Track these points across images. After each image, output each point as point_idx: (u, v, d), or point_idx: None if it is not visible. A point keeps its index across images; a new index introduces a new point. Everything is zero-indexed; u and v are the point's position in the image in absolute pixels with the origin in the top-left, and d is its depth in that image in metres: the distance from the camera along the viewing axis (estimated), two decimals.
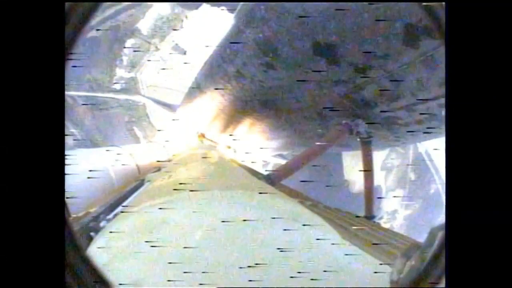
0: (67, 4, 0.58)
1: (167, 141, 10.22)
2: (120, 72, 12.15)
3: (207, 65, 6.99)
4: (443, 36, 0.65)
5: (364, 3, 3.10)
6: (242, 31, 4.68)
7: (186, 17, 11.87)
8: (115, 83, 11.77)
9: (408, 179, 16.17)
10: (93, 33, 11.49)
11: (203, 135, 9.80)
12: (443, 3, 0.64)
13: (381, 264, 1.08)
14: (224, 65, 5.73)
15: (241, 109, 6.57)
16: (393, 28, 3.07)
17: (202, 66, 7.48)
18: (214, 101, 7.27)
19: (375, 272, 0.92)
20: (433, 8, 0.65)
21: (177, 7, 11.72)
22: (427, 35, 2.91)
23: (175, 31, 11.73)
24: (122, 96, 11.88)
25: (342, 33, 3.44)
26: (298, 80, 4.47)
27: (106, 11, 11.27)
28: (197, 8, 11.45)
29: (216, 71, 6.26)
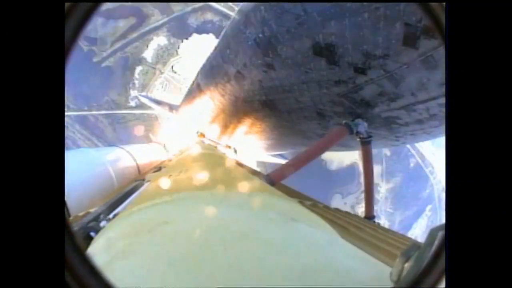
0: (67, 4, 0.58)
1: (167, 141, 10.25)
2: (133, 93, 14.69)
3: (207, 65, 6.99)
4: (443, 36, 0.65)
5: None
6: (242, 31, 4.69)
7: (179, 46, 14.66)
8: (131, 101, 14.41)
9: (384, 155, 16.61)
10: (106, 63, 14.41)
11: (203, 135, 9.80)
12: (443, 3, 0.64)
13: (381, 264, 1.08)
14: (224, 65, 5.73)
15: (241, 109, 6.56)
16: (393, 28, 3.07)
17: (202, 66, 7.48)
18: (214, 101, 7.27)
19: (375, 272, 0.92)
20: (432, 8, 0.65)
21: (173, 38, 14.56)
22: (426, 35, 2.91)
23: (173, 58, 14.56)
24: (137, 111, 14.53)
25: (342, 33, 3.44)
26: (297, 80, 4.47)
27: (115, 44, 14.17)
28: (187, 38, 14.37)
29: (216, 71, 6.26)
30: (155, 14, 14.42)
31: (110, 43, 14.46)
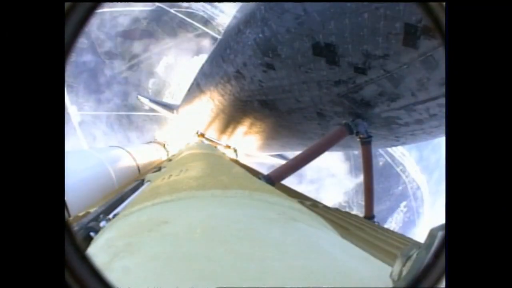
0: (67, 4, 0.58)
1: (167, 141, 10.25)
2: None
3: (207, 65, 6.98)
4: (443, 36, 0.65)
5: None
6: (242, 31, 4.69)
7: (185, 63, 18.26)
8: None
9: (352, 154, 18.00)
10: (124, 75, 18.36)
11: (203, 135, 9.81)
12: (443, 3, 0.64)
13: (381, 264, 1.08)
14: (224, 65, 5.73)
15: (241, 108, 6.56)
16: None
17: (202, 66, 7.47)
18: (214, 101, 7.27)
19: (375, 272, 0.92)
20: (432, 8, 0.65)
21: (178, 58, 18.73)
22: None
23: (179, 73, 18.20)
24: (150, 113, 18.00)
25: (342, 33, 3.44)
26: (297, 80, 4.47)
27: (132, 60, 18.30)
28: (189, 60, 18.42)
29: (216, 71, 6.26)
30: (165, 38, 18.56)
31: (128, 59, 18.45)
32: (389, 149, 17.65)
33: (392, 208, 18.91)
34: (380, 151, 17.36)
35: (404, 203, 19.05)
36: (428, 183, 19.25)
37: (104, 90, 17.60)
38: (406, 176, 18.95)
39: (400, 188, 19.10)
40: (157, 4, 17.86)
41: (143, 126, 18.15)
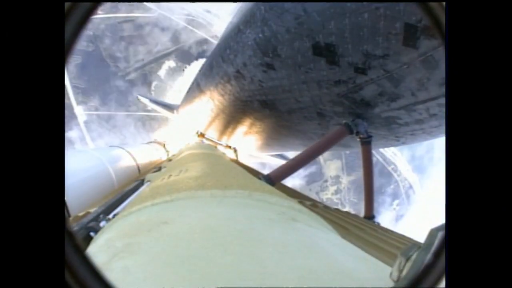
0: (67, 4, 0.58)
1: (167, 141, 10.25)
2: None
3: (207, 64, 6.98)
4: (443, 36, 0.65)
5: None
6: (242, 31, 4.69)
7: (185, 68, 20.18)
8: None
9: (343, 152, 18.88)
10: (130, 77, 20.47)
11: (203, 135, 9.81)
12: (443, 3, 0.64)
13: (381, 264, 1.08)
14: (224, 65, 5.73)
15: (241, 108, 6.56)
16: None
17: (202, 66, 7.47)
18: (214, 101, 7.27)
19: (375, 272, 0.92)
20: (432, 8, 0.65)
21: (179, 62, 20.71)
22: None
23: (180, 77, 20.44)
24: (153, 114, 19.73)
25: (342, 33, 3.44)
26: (297, 80, 4.47)
27: (136, 64, 20.31)
28: (189, 64, 20.53)
29: (216, 71, 6.25)
30: (166, 43, 20.57)
31: (132, 62, 20.22)
32: (380, 149, 18.00)
33: (385, 205, 19.87)
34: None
35: (396, 201, 19.87)
36: (420, 181, 19.59)
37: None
38: (398, 175, 19.78)
39: (392, 186, 19.94)
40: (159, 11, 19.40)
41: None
